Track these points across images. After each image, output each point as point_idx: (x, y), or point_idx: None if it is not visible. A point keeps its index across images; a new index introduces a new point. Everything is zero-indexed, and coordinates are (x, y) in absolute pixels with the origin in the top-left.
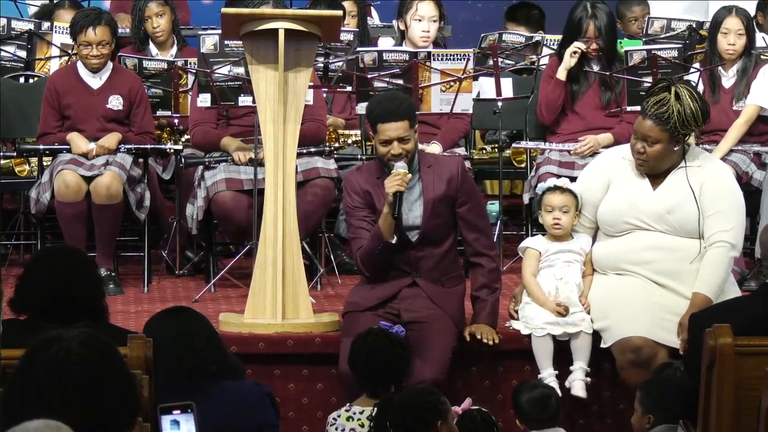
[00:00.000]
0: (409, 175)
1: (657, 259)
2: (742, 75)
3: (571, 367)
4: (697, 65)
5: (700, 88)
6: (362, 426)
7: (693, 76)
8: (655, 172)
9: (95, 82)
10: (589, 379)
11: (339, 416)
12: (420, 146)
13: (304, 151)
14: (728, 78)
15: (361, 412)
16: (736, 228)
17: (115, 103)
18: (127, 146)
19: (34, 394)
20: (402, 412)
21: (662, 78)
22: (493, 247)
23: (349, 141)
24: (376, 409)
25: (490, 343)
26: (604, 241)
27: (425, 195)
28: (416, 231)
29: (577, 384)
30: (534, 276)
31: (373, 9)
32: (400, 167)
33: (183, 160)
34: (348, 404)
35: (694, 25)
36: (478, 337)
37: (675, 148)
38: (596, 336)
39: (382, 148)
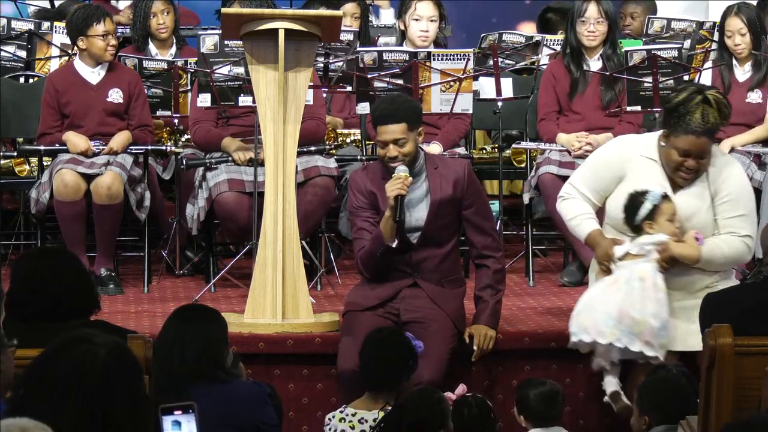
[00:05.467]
0: (410, 179)
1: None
2: (757, 68)
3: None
4: (709, 63)
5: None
6: (353, 428)
7: (706, 73)
8: None
9: (94, 77)
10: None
11: (333, 417)
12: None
13: (304, 149)
14: (744, 72)
15: (353, 415)
16: (755, 236)
17: (116, 96)
18: (129, 148)
19: (47, 390)
20: (407, 419)
21: (684, 85)
22: (499, 248)
23: (348, 140)
24: (381, 416)
25: (473, 359)
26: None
27: (432, 196)
28: (417, 233)
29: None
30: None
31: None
32: (401, 170)
33: (183, 161)
34: (343, 405)
35: (694, 25)
36: (475, 344)
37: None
38: None
39: (380, 149)
